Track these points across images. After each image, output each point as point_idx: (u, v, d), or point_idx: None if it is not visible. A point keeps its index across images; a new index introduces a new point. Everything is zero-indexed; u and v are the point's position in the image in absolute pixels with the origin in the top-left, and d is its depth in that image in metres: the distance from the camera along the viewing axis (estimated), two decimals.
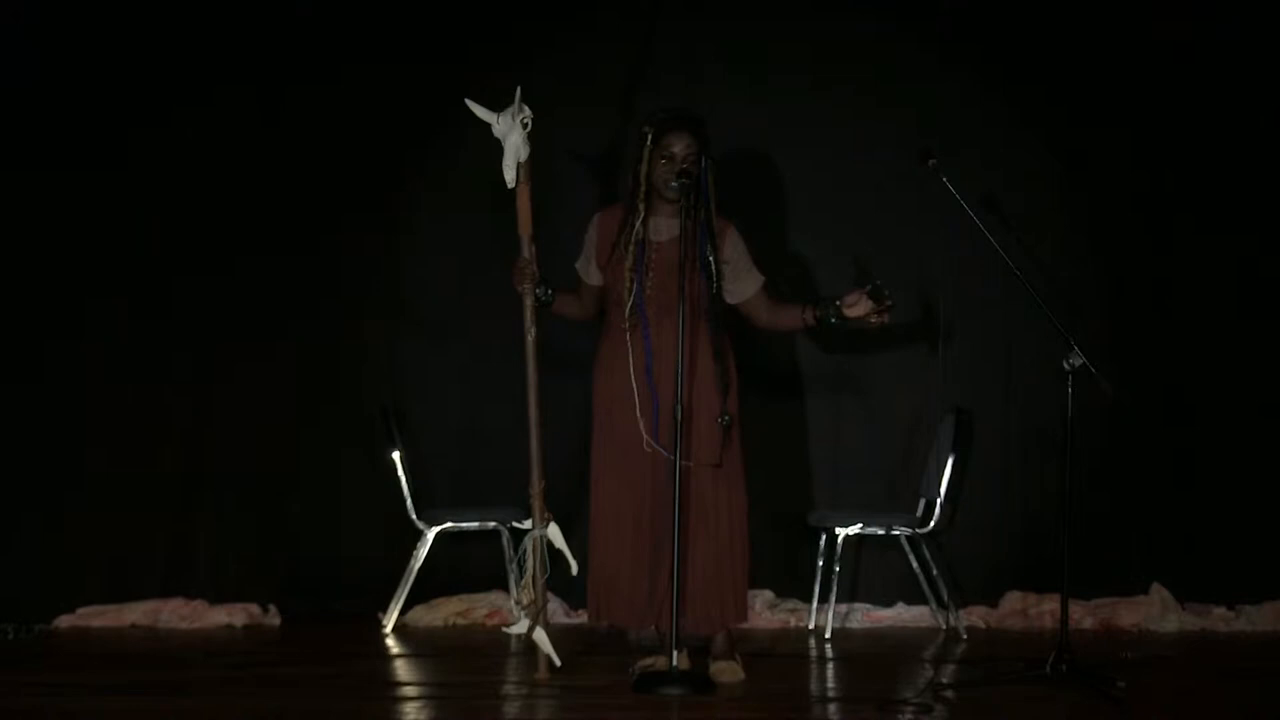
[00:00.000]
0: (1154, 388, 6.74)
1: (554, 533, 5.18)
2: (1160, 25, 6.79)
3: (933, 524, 6.40)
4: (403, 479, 6.39)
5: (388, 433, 6.46)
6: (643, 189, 5.17)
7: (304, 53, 6.73)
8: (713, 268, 5.14)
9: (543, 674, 5.13)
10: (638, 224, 5.16)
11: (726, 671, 5.14)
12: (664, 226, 5.21)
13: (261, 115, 6.72)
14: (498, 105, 5.14)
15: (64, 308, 6.62)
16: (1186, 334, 6.81)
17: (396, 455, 6.40)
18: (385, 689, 5.18)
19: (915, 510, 6.54)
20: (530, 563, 5.15)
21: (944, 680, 5.29)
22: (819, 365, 6.70)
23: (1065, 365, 5.17)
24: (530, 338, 5.15)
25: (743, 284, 5.26)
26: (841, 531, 6.34)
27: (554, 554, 5.16)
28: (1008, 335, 6.73)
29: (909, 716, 4.59)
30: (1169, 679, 5.50)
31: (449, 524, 6.42)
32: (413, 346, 6.81)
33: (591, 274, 5.28)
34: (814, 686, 5.42)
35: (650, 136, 5.14)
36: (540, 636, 5.11)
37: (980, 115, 6.80)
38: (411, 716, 4.67)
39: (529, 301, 5.16)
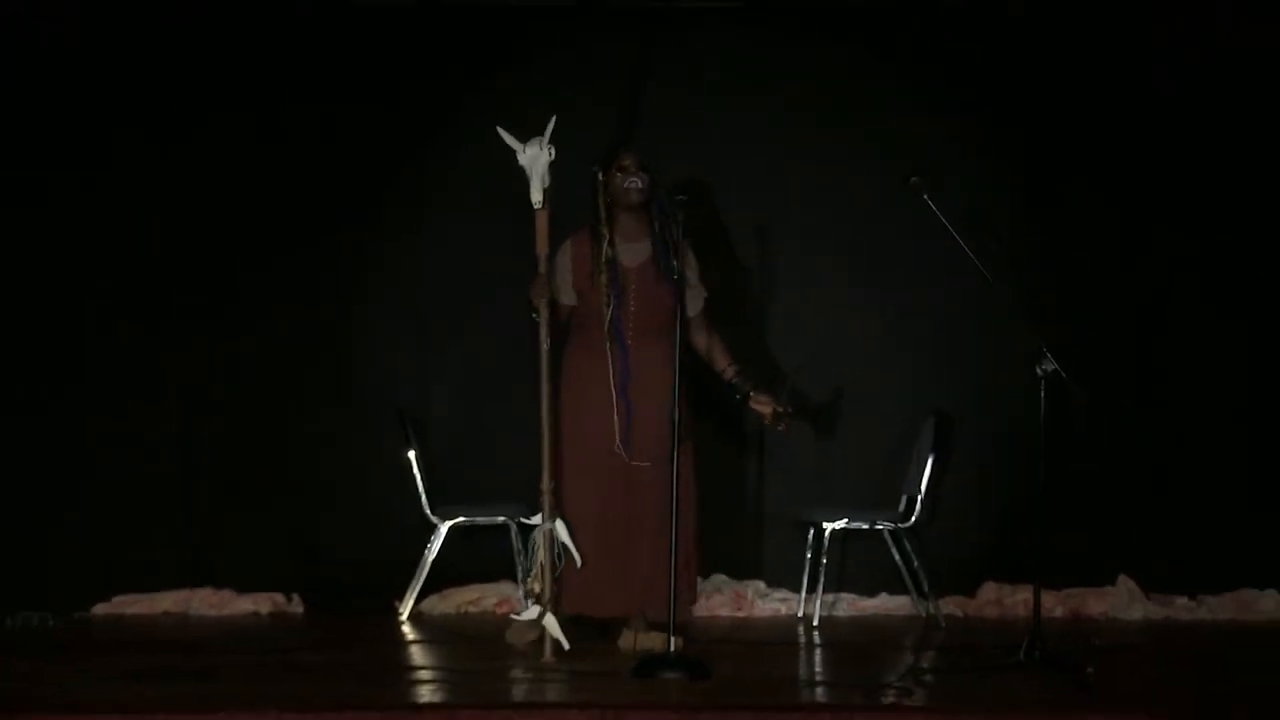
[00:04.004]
0: (1124, 392, 6.80)
1: (560, 528, 5.38)
2: (1159, 32, 6.88)
3: (914, 519, 6.50)
4: (417, 476, 6.46)
5: (403, 433, 6.53)
6: (603, 214, 5.48)
7: (306, 55, 6.77)
8: (684, 282, 5.39)
9: (549, 658, 5.29)
10: (605, 247, 5.45)
11: (655, 640, 5.37)
12: (633, 250, 5.51)
13: (263, 118, 6.74)
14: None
15: (93, 307, 6.68)
16: (1156, 338, 6.91)
17: (412, 454, 6.49)
18: (402, 673, 5.29)
19: (898, 506, 6.64)
20: (541, 554, 5.33)
21: (924, 666, 5.41)
22: (809, 372, 6.62)
23: (1038, 371, 5.29)
24: (545, 348, 5.38)
25: (690, 301, 5.54)
26: (829, 526, 6.44)
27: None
28: (984, 343, 6.76)
29: (891, 700, 4.66)
30: (1135, 664, 5.57)
31: (461, 518, 6.49)
32: (423, 347, 6.86)
33: (568, 294, 5.54)
34: (802, 671, 5.56)
35: (600, 171, 5.48)
36: (550, 622, 5.30)
37: (962, 135, 6.86)
38: (426, 698, 4.74)
39: (545, 314, 5.38)
